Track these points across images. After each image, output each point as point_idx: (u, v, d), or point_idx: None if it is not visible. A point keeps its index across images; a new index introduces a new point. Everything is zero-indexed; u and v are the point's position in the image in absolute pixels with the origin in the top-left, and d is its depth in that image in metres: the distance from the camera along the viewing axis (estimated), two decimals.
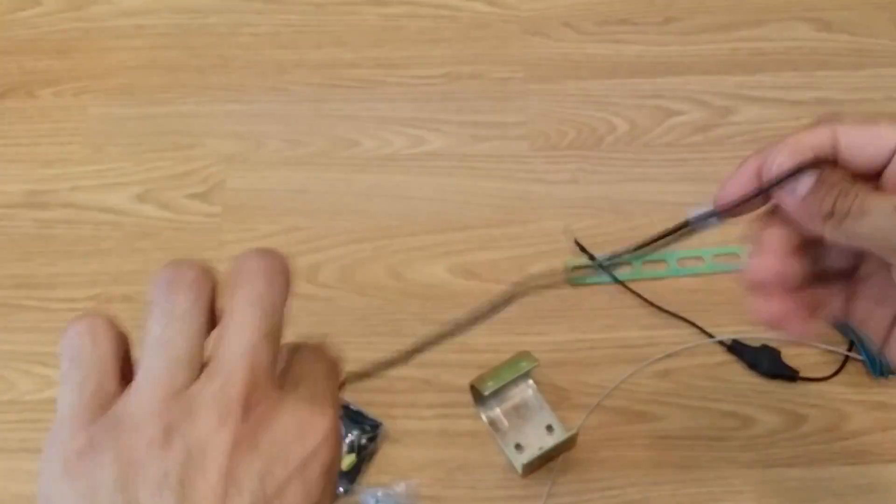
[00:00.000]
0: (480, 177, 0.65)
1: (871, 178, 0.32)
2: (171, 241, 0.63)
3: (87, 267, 0.62)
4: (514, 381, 0.54)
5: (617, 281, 0.59)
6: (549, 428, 0.54)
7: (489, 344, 0.57)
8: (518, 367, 0.54)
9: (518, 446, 0.54)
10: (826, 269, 0.36)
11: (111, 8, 0.74)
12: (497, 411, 0.55)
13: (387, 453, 0.55)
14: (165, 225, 0.63)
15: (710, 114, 0.67)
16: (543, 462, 0.53)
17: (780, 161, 0.32)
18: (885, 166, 0.32)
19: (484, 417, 0.55)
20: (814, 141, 0.32)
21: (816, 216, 0.32)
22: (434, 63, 0.70)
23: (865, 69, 0.69)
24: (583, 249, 0.61)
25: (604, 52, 0.70)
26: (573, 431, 0.53)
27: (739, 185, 0.33)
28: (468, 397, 0.56)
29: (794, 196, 0.32)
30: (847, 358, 0.57)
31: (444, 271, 0.61)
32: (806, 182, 0.32)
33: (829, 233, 0.32)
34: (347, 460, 0.53)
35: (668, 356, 0.57)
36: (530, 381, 0.55)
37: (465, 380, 0.55)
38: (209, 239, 0.63)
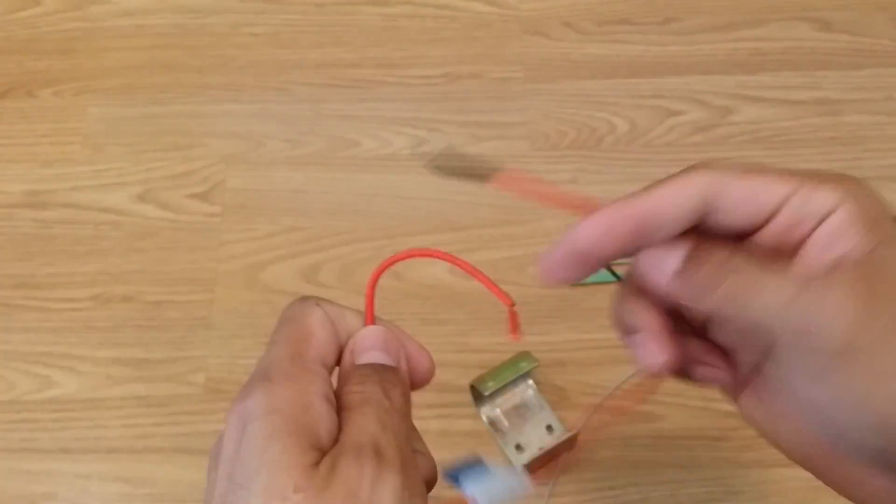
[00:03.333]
0: None
1: (742, 237, 0.29)
2: (171, 241, 0.63)
3: (87, 267, 0.62)
4: (514, 381, 0.54)
5: (620, 280, 0.59)
6: (549, 428, 0.54)
7: (489, 344, 0.57)
8: (518, 367, 0.54)
9: (518, 446, 0.54)
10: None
11: (111, 8, 0.74)
12: (497, 411, 0.55)
13: None
14: (165, 225, 0.63)
15: (710, 114, 0.67)
16: (544, 462, 0.53)
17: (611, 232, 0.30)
18: (761, 226, 0.29)
19: (484, 417, 0.55)
20: (680, 198, 0.29)
21: (694, 295, 0.29)
22: (434, 63, 0.70)
23: (865, 69, 0.69)
24: None
25: (604, 52, 0.70)
26: (573, 431, 0.53)
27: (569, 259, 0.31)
28: (468, 397, 0.56)
29: (662, 275, 0.30)
30: None
31: (444, 271, 0.61)
32: (674, 258, 0.29)
33: (712, 311, 0.29)
34: None
35: None
36: (530, 381, 0.55)
37: (465, 380, 0.55)
38: (209, 239, 0.63)
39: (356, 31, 0.72)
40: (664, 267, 0.30)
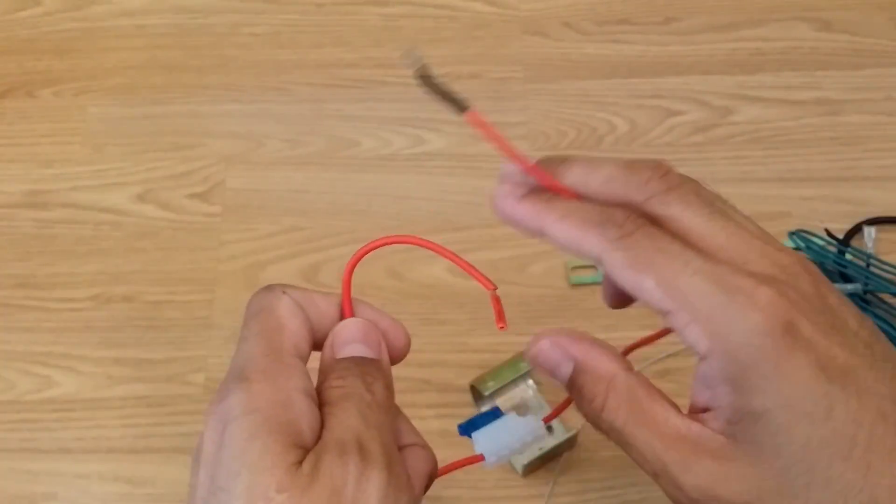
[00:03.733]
0: (480, 177, 0.65)
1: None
2: (171, 241, 0.63)
3: (87, 267, 0.62)
4: (514, 381, 0.54)
5: None
6: (550, 428, 0.54)
7: (489, 344, 0.57)
8: (518, 367, 0.54)
9: None
10: None
11: (111, 8, 0.74)
12: None
13: None
14: (165, 225, 0.63)
15: (710, 114, 0.67)
16: (544, 462, 0.53)
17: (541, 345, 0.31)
18: None
19: None
20: (586, 248, 0.30)
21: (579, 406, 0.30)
22: (434, 63, 0.69)
23: (865, 69, 0.69)
24: None
25: (604, 52, 0.70)
26: (573, 431, 0.53)
27: None
28: (468, 397, 0.56)
29: (559, 381, 0.31)
30: None
31: (444, 271, 0.61)
32: (564, 371, 0.31)
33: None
34: None
35: (669, 356, 0.57)
36: (530, 382, 0.55)
37: (465, 380, 0.55)
38: (209, 239, 0.63)
39: (356, 31, 0.72)
40: (558, 375, 0.32)
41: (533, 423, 0.36)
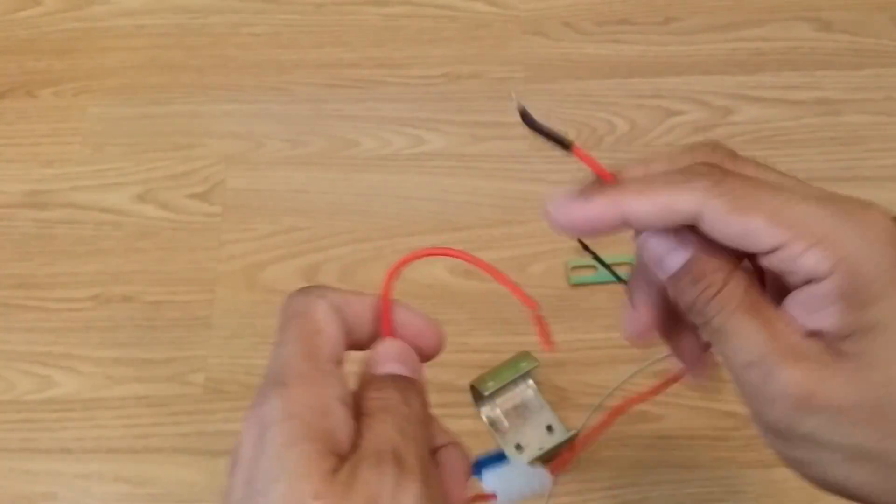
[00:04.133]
0: (480, 177, 0.65)
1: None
2: (171, 241, 0.63)
3: (87, 267, 0.62)
4: (514, 381, 0.54)
5: (620, 280, 0.59)
6: (550, 428, 0.54)
7: (489, 344, 0.57)
8: (518, 367, 0.54)
9: (518, 446, 0.54)
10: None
11: (111, 8, 0.74)
12: (497, 411, 0.55)
13: None
14: (165, 225, 0.63)
15: (710, 114, 0.67)
16: (544, 462, 0.53)
17: (647, 213, 0.29)
18: (750, 256, 0.29)
19: (484, 417, 0.55)
20: (680, 206, 0.29)
21: (683, 305, 0.30)
22: (434, 63, 0.70)
23: (865, 69, 0.69)
24: (586, 248, 0.61)
25: (604, 52, 0.70)
26: (573, 432, 0.53)
27: (588, 216, 0.31)
28: (468, 397, 0.56)
29: (662, 271, 0.30)
30: None
31: (444, 271, 0.61)
32: (675, 259, 0.30)
33: (693, 320, 0.30)
34: None
35: (669, 356, 0.57)
36: (530, 382, 0.55)
37: (465, 380, 0.55)
38: (209, 239, 0.63)
39: (356, 31, 0.72)
40: (664, 264, 0.30)
41: (543, 475, 0.36)
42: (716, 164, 0.30)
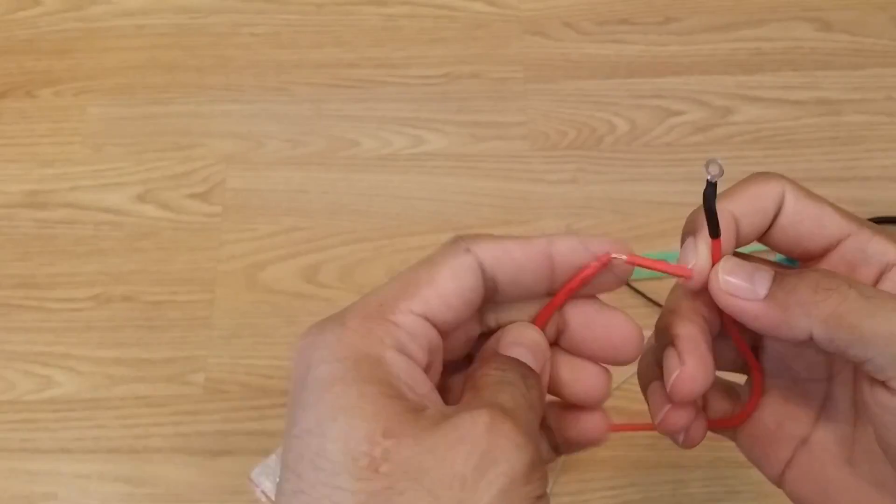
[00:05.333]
0: (480, 177, 0.65)
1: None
2: (171, 241, 0.63)
3: (87, 267, 0.62)
4: None
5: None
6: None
7: None
8: None
9: None
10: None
11: (111, 8, 0.74)
12: None
13: None
14: (165, 225, 0.63)
15: (710, 114, 0.67)
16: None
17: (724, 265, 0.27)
18: (816, 256, 0.29)
19: None
20: (760, 202, 0.28)
21: (788, 319, 0.27)
22: (434, 63, 0.70)
23: (865, 69, 0.69)
24: None
25: (604, 52, 0.70)
26: None
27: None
28: None
29: (751, 298, 0.27)
30: None
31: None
32: (763, 281, 0.27)
33: (806, 334, 0.27)
34: None
35: None
36: None
37: None
38: (209, 239, 0.63)
39: (356, 31, 0.72)
40: (755, 290, 0.27)
41: None
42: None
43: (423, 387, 0.25)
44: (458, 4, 0.73)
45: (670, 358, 0.29)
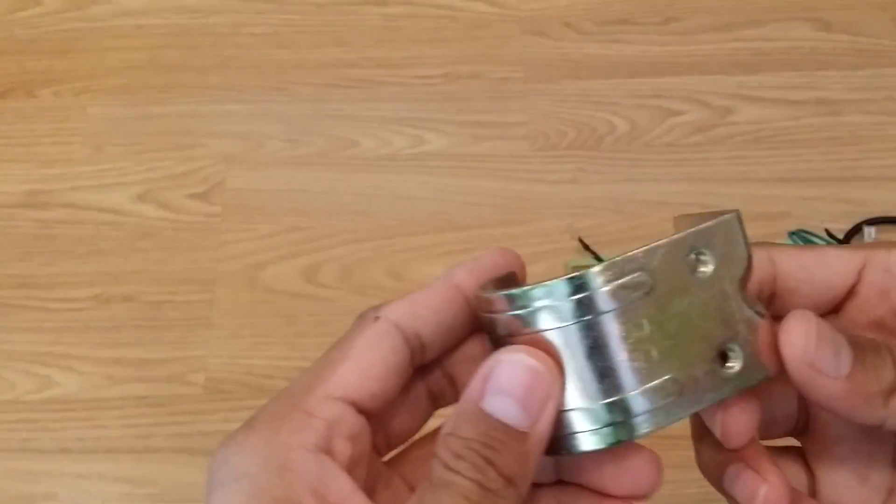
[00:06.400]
0: (480, 177, 0.65)
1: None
2: (171, 241, 0.63)
3: (87, 267, 0.62)
4: None
5: None
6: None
7: None
8: None
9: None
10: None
11: (111, 8, 0.74)
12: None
13: None
14: (165, 225, 0.63)
15: (710, 114, 0.67)
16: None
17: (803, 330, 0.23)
18: (836, 299, 0.26)
19: None
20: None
21: (876, 407, 0.23)
22: (434, 63, 0.70)
23: (865, 69, 0.68)
24: (587, 248, 0.61)
25: (604, 52, 0.70)
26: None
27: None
28: None
29: (836, 375, 0.23)
30: None
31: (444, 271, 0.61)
32: (848, 354, 0.23)
33: (893, 420, 0.23)
34: None
35: None
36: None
37: None
38: (209, 239, 0.63)
39: (356, 31, 0.72)
40: (840, 366, 0.23)
41: None
42: None
43: (341, 488, 0.22)
44: (459, 4, 0.73)
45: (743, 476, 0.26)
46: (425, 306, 0.25)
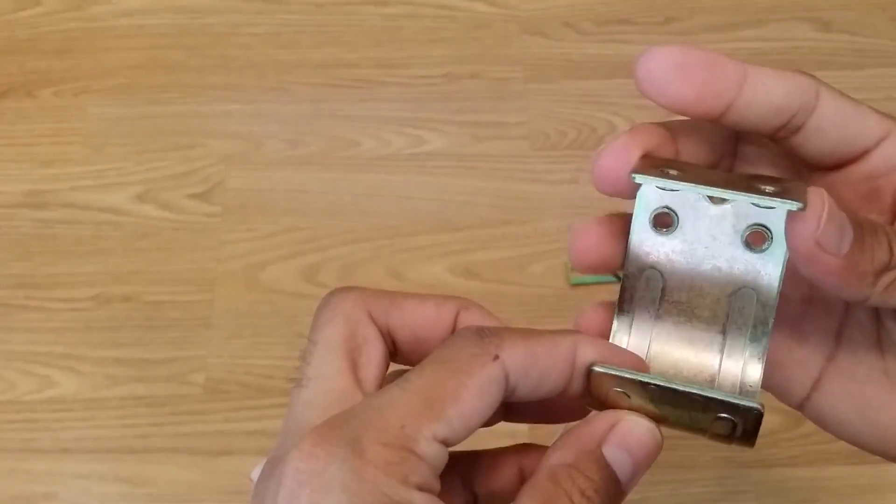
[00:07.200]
0: (480, 177, 0.65)
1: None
2: (171, 241, 0.63)
3: (87, 267, 0.62)
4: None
5: (620, 280, 0.59)
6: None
7: None
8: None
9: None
10: None
11: (111, 8, 0.74)
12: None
13: None
14: (165, 225, 0.63)
15: None
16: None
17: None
18: (847, 163, 0.26)
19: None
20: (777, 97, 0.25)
21: (866, 285, 0.23)
22: (434, 63, 0.70)
23: (865, 69, 0.68)
24: None
25: (604, 52, 0.70)
26: (755, 404, 0.30)
27: None
28: None
29: (836, 252, 0.23)
30: None
31: (444, 271, 0.61)
32: (849, 232, 0.23)
33: (877, 297, 0.24)
34: None
35: None
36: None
37: None
38: (209, 239, 0.63)
39: (356, 31, 0.72)
40: (841, 244, 0.23)
41: None
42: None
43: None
44: (459, 4, 0.73)
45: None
46: (540, 365, 0.24)
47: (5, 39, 0.72)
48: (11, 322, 0.60)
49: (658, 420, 0.25)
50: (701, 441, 0.58)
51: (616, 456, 0.23)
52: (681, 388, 0.25)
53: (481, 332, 0.24)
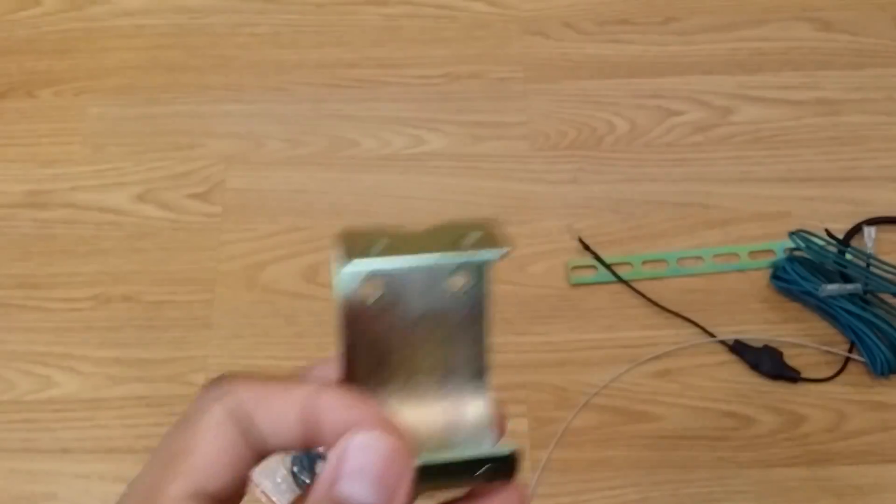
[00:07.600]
0: (480, 177, 0.65)
1: None
2: (171, 241, 0.63)
3: (87, 267, 0.62)
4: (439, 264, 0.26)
5: (620, 280, 0.59)
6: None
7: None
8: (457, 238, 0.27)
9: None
10: None
11: (111, 8, 0.74)
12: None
13: None
14: (165, 225, 0.63)
15: (710, 114, 0.67)
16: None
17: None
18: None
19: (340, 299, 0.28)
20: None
21: None
22: (434, 63, 0.70)
23: (865, 69, 0.68)
24: (587, 248, 0.61)
25: (604, 52, 0.70)
26: (510, 448, 0.25)
27: None
28: None
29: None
30: (848, 359, 0.57)
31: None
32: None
33: None
34: None
35: (668, 355, 0.57)
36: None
37: None
38: (209, 239, 0.63)
39: (356, 31, 0.72)
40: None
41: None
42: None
43: None
44: (459, 4, 0.73)
45: None
46: (275, 409, 0.23)
47: (5, 39, 0.72)
48: (11, 322, 0.60)
49: (427, 489, 0.24)
50: (701, 441, 0.58)
51: (352, 488, 0.21)
52: (440, 460, 0.24)
53: (217, 381, 0.24)
